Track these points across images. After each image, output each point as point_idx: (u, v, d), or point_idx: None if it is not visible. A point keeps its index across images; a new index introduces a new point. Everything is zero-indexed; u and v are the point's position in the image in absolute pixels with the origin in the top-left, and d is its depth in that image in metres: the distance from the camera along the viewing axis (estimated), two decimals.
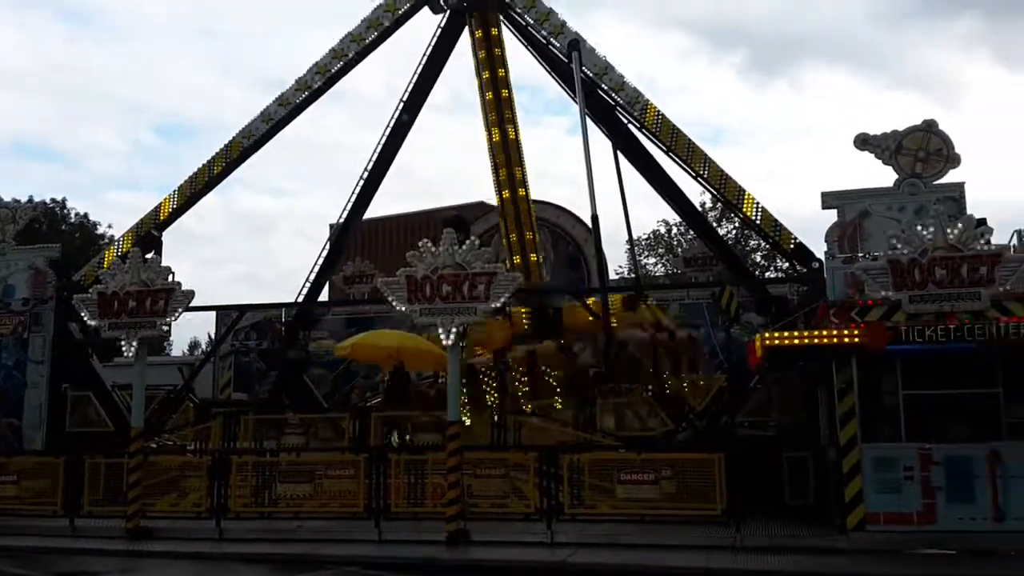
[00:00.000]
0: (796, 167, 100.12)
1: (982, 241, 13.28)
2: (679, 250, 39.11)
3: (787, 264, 22.73)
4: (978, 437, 13.16)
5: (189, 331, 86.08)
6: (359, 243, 38.94)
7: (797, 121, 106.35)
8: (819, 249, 16.90)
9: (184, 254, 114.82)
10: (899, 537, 13.01)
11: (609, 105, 20.75)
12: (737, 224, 41.20)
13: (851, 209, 15.59)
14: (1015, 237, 15.68)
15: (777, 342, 13.82)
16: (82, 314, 16.93)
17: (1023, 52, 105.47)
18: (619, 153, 20.92)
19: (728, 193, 19.49)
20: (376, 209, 26.49)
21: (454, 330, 14.78)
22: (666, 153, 19.97)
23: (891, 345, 13.14)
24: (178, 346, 56.11)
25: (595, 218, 20.95)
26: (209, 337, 45.90)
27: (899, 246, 13.52)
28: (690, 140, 19.70)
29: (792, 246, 18.87)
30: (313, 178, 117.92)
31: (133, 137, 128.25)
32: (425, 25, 22.74)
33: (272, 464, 16.46)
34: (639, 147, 20.64)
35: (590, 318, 21.54)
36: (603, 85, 20.60)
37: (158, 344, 27.42)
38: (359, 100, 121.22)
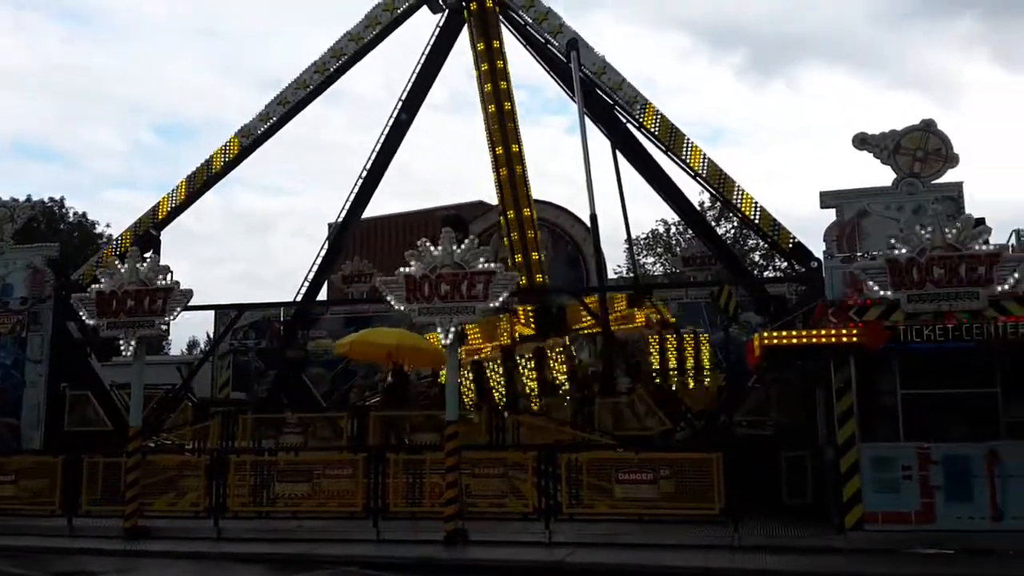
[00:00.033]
0: (795, 167, 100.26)
1: (980, 241, 13.29)
2: (678, 249, 39.15)
3: (786, 263, 22.75)
4: (976, 436, 13.17)
5: (187, 330, 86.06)
6: (358, 242, 38.98)
7: (796, 121, 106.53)
8: (818, 248, 16.95)
9: (183, 253, 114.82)
10: (897, 536, 13.01)
11: (608, 104, 20.75)
12: (736, 223, 41.17)
13: (850, 208, 15.60)
14: (1013, 237, 15.70)
15: (775, 341, 13.82)
16: (80, 313, 16.92)
17: (1022, 52, 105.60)
18: (618, 152, 20.95)
19: (727, 192, 19.49)
20: (375, 208, 26.53)
21: (453, 329, 14.78)
22: (665, 152, 19.98)
23: (889, 344, 13.15)
24: (176, 345, 56.14)
25: (594, 217, 20.95)
26: (208, 336, 45.96)
27: (897, 245, 13.52)
28: (689, 139, 19.71)
29: (790, 245, 18.88)
30: (312, 177, 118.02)
31: (132, 137, 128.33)
32: (424, 24, 22.77)
33: (270, 463, 16.45)
34: (638, 146, 20.64)
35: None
36: (602, 84, 20.60)
37: (156, 343, 27.47)
38: (358, 99, 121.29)
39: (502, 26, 22.44)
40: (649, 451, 15.23)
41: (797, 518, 14.63)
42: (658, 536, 13.71)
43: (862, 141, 15.69)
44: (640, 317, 22.14)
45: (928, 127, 15.54)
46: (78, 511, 16.38)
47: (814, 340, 13.58)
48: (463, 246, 14.91)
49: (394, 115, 22.65)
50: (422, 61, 22.62)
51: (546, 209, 30.61)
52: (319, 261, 23.11)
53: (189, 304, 16.53)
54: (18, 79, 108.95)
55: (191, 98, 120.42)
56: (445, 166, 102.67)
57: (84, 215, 48.53)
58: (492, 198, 26.14)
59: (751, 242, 42.67)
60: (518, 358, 21.80)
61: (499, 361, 22.08)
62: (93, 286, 16.93)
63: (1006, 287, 13.12)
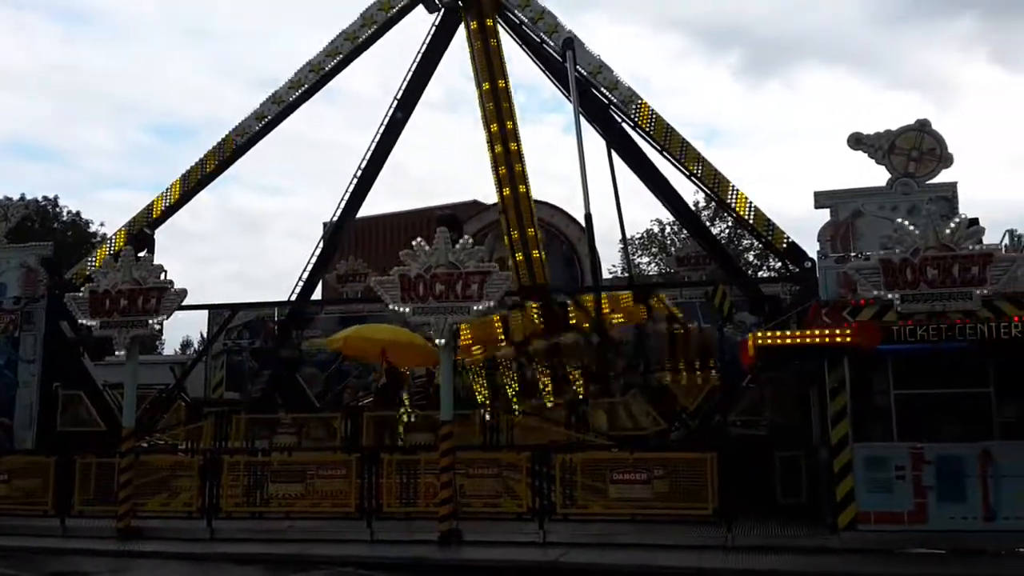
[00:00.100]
0: (790, 167, 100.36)
1: (974, 241, 13.31)
2: (672, 249, 39.27)
3: (780, 263, 22.74)
4: (969, 437, 13.19)
5: (181, 330, 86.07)
6: (352, 241, 38.84)
7: (792, 122, 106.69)
8: (812, 248, 16.96)
9: (177, 252, 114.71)
10: (890, 536, 13.04)
11: (603, 104, 20.73)
12: (730, 223, 41.22)
13: (844, 209, 15.60)
14: (1007, 237, 15.74)
15: (770, 341, 13.84)
16: (74, 313, 16.87)
17: (1020, 53, 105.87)
18: (613, 152, 20.92)
19: (721, 192, 19.48)
20: (370, 207, 26.46)
21: (447, 329, 14.77)
22: (660, 152, 19.96)
23: (883, 345, 13.17)
24: (170, 345, 56.17)
25: (589, 217, 20.94)
26: (201, 336, 45.76)
27: (891, 246, 13.54)
28: (684, 139, 19.70)
29: (785, 245, 18.88)
30: (307, 176, 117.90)
31: (126, 136, 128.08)
32: (419, 23, 22.72)
33: (264, 464, 16.42)
34: (633, 146, 20.62)
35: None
36: (597, 84, 20.57)
37: (150, 343, 27.37)
38: (353, 98, 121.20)
39: (498, 25, 22.42)
40: (643, 451, 15.23)
41: (791, 518, 14.65)
42: (652, 536, 13.72)
43: (857, 141, 15.70)
44: (642, 312, 22.16)
45: (923, 127, 15.55)
46: (71, 511, 16.34)
47: (808, 340, 13.60)
48: (458, 246, 14.90)
49: (389, 114, 22.61)
50: (418, 60, 22.58)
51: (541, 209, 30.51)
52: (314, 260, 23.06)
53: (183, 304, 16.48)
54: (13, 78, 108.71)
55: (186, 98, 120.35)
56: (440, 165, 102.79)
57: (78, 214, 48.42)
58: (487, 198, 26.16)
59: (745, 242, 42.70)
60: (531, 352, 21.77)
61: (511, 358, 22.06)
62: (86, 285, 16.89)
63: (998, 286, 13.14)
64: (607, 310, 21.94)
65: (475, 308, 14.78)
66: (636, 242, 46.58)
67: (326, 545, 14.46)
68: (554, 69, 21.42)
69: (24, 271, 20.61)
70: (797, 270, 18.70)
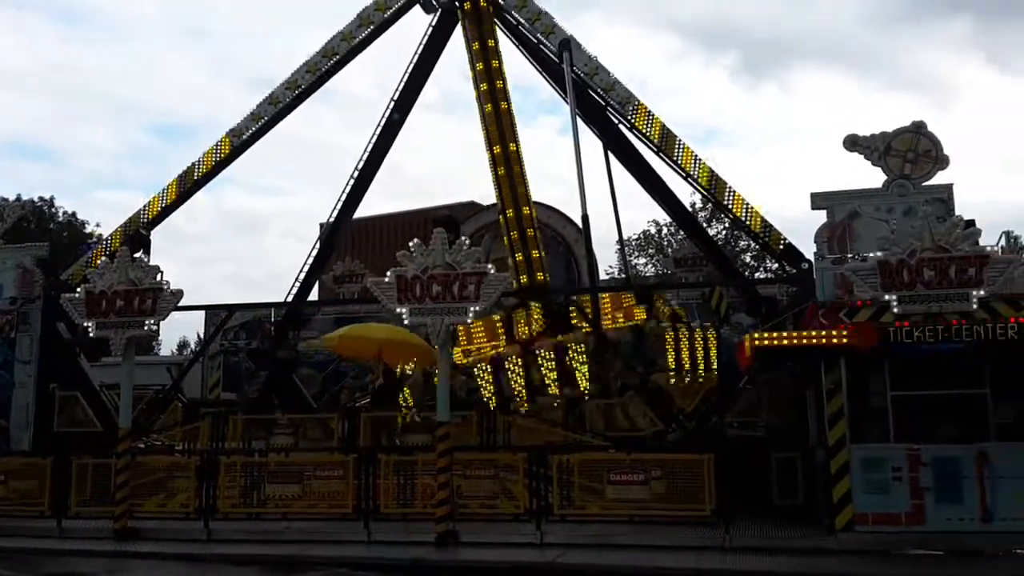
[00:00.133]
0: (787, 169, 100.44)
1: (970, 242, 13.33)
2: (669, 250, 39.26)
3: (777, 265, 22.75)
4: (966, 438, 13.22)
5: (178, 331, 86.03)
6: (349, 242, 38.85)
7: (789, 123, 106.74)
8: (808, 250, 16.96)
9: (173, 253, 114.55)
10: (887, 538, 13.05)
11: (600, 105, 20.75)
12: (727, 225, 41.27)
13: (840, 210, 15.60)
14: (1003, 238, 15.77)
15: (766, 343, 13.83)
16: (70, 314, 16.84)
17: (1015, 54, 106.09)
18: (610, 153, 20.93)
19: (718, 194, 19.50)
20: (366, 208, 26.54)
21: (444, 330, 14.75)
22: (656, 154, 19.97)
23: (880, 346, 13.18)
24: (167, 346, 56.01)
25: (585, 218, 20.97)
26: (198, 337, 45.80)
27: (888, 247, 13.56)
28: (681, 141, 19.72)
29: (782, 247, 18.90)
30: (303, 177, 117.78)
31: (123, 137, 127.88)
32: (416, 24, 22.74)
33: (261, 465, 16.41)
34: (630, 148, 20.63)
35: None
36: (594, 85, 20.59)
37: (146, 344, 27.29)
38: (350, 99, 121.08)
39: (496, 26, 22.41)
40: (641, 452, 15.24)
41: (788, 519, 14.66)
42: (649, 537, 13.73)
43: (853, 143, 15.71)
44: (641, 314, 22.19)
45: (918, 129, 15.57)
46: (67, 512, 16.35)
47: (805, 341, 13.60)
48: (455, 247, 14.90)
49: (386, 115, 22.62)
50: (414, 61, 22.60)
51: (538, 210, 30.46)
52: (310, 261, 23.06)
53: (179, 304, 16.47)
54: (12, 78, 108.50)
55: (183, 98, 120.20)
56: (437, 166, 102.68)
57: (74, 215, 48.33)
58: (484, 198, 26.14)
59: (742, 243, 42.74)
60: (537, 353, 21.79)
61: (517, 356, 22.07)
62: (83, 286, 16.86)
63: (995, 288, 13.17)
64: (609, 310, 22.01)
65: (472, 309, 14.78)
66: (633, 243, 46.60)
67: (323, 546, 14.45)
68: (551, 70, 21.44)
69: (20, 272, 20.56)
70: (794, 271, 18.71)
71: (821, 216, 15.73)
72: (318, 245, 23.50)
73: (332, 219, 23.08)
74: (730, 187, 19.34)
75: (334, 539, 14.73)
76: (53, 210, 47.09)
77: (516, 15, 21.59)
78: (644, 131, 19.93)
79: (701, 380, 21.50)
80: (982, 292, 13.09)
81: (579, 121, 20.90)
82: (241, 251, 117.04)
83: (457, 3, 22.26)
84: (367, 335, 20.02)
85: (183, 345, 58.48)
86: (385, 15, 22.17)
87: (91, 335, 16.84)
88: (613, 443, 16.98)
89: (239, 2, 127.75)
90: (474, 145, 23.26)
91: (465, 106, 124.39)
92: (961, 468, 13.11)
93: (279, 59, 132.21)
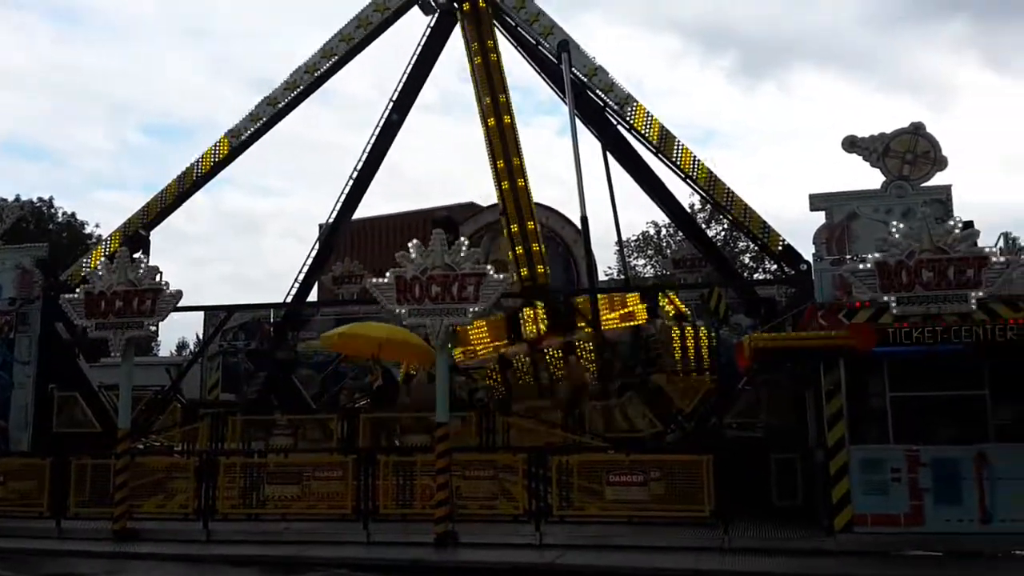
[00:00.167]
0: (786, 169, 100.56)
1: (968, 243, 13.34)
2: (668, 251, 39.21)
3: (775, 266, 22.77)
4: (965, 439, 13.23)
5: (177, 331, 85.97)
6: (348, 243, 38.89)
7: (787, 124, 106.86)
8: (807, 251, 16.95)
9: (172, 254, 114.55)
10: (886, 539, 13.07)
11: (599, 106, 20.75)
12: (726, 226, 41.28)
13: (839, 211, 15.62)
14: (1001, 240, 15.77)
15: (765, 344, 13.85)
16: (69, 314, 16.83)
17: (1014, 55, 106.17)
18: (608, 154, 20.94)
19: (717, 195, 19.51)
20: (365, 209, 26.52)
21: (444, 331, 14.75)
22: (655, 155, 19.98)
23: (878, 347, 13.19)
24: (166, 346, 56.02)
25: (584, 219, 20.97)
26: (197, 337, 45.72)
27: (887, 248, 13.57)
28: (679, 142, 19.73)
29: (780, 248, 18.92)
30: (302, 178, 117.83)
31: (122, 137, 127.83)
32: (415, 24, 22.76)
33: (260, 465, 16.40)
34: (628, 148, 20.65)
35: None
36: (592, 86, 20.60)
37: (145, 344, 27.27)
38: (349, 100, 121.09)
39: (495, 28, 22.42)
40: (640, 453, 15.24)
41: (787, 520, 14.67)
42: (648, 538, 13.74)
43: (851, 144, 15.72)
44: (642, 313, 22.21)
45: (917, 130, 15.58)
46: (66, 513, 16.34)
47: (804, 342, 13.63)
48: (454, 247, 14.90)
49: (385, 116, 22.63)
50: (413, 62, 22.61)
51: (537, 210, 30.57)
52: (309, 262, 23.06)
53: (178, 305, 16.47)
54: (11, 78, 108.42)
55: (182, 98, 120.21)
56: (436, 167, 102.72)
57: (73, 215, 48.37)
58: (483, 199, 26.12)
59: (741, 244, 42.76)
60: (546, 350, 21.79)
61: (524, 355, 22.06)
62: (82, 287, 16.85)
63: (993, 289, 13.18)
64: (617, 311, 22.05)
65: (471, 310, 14.78)
66: (632, 244, 46.61)
67: (322, 547, 14.45)
68: (549, 71, 21.44)
69: (19, 272, 20.54)
70: (793, 272, 18.72)
71: (820, 217, 15.74)
72: (317, 246, 23.50)
73: (331, 220, 23.08)
74: (729, 188, 19.36)
75: (333, 540, 14.72)
76: (52, 211, 47.13)
77: (515, 16, 21.59)
78: (643, 132, 19.94)
79: (704, 379, 21.52)
80: (981, 293, 13.11)
81: (578, 122, 20.90)
82: (240, 252, 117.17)
83: (456, 4, 22.27)
84: (366, 333, 20.02)
85: (182, 346, 58.51)
86: (384, 16, 22.17)
87: (90, 336, 16.84)
88: (612, 444, 16.98)
89: (238, 2, 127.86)
90: (473, 146, 23.36)
91: (463, 107, 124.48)
92: (960, 469, 13.13)
93: (278, 59, 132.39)
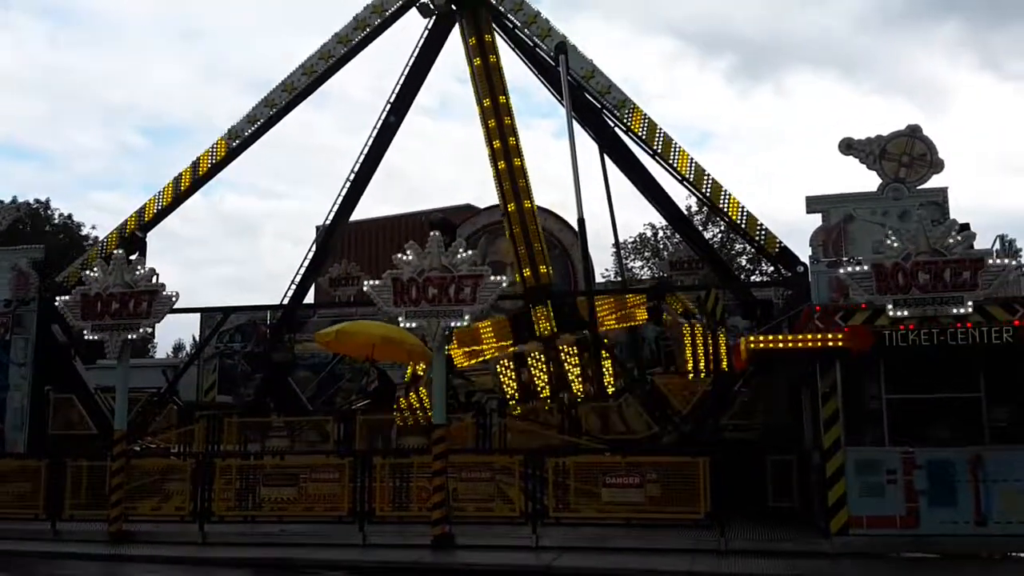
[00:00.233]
0: (782, 172, 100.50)
1: (965, 246, 13.37)
2: (665, 253, 39.22)
3: (772, 268, 22.80)
4: (960, 441, 13.25)
5: (173, 333, 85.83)
6: (345, 245, 38.81)
7: (783, 126, 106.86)
8: (804, 253, 17.00)
9: (169, 255, 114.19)
10: (882, 541, 13.08)
11: (596, 108, 20.77)
12: (723, 228, 41.27)
13: (836, 213, 15.66)
14: (997, 242, 15.78)
15: (762, 345, 13.88)
16: (65, 316, 16.81)
17: (1008, 57, 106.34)
18: (605, 156, 20.96)
19: (714, 197, 19.53)
20: (362, 211, 26.46)
21: (440, 333, 14.75)
22: (652, 156, 20.01)
23: (875, 349, 13.21)
24: (162, 348, 55.96)
25: (581, 221, 20.95)
26: (193, 339, 45.58)
27: (883, 251, 13.60)
28: (676, 144, 19.74)
29: (777, 250, 18.94)
30: (300, 179, 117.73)
31: (118, 138, 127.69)
32: (413, 26, 22.72)
33: (256, 467, 16.42)
34: (626, 150, 20.66)
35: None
36: (590, 88, 20.60)
37: (142, 346, 27.28)
38: (346, 102, 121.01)
39: (495, 32, 22.41)
40: (636, 455, 15.25)
41: (783, 522, 14.69)
42: (645, 540, 13.75)
43: (848, 146, 15.75)
44: (641, 314, 22.22)
45: (913, 133, 15.61)
46: (62, 515, 16.31)
47: (800, 344, 13.65)
48: (451, 249, 14.91)
49: (382, 118, 22.61)
50: (411, 64, 22.58)
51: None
52: (306, 264, 23.03)
53: (174, 307, 16.45)
54: (4, 79, 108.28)
55: (177, 100, 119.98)
56: (433, 169, 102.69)
57: (70, 217, 48.31)
58: (480, 201, 26.11)
59: (738, 246, 42.75)
60: (561, 347, 21.80)
61: (539, 353, 22.06)
62: (78, 288, 16.84)
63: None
64: (622, 310, 22.07)
65: (468, 312, 14.79)
66: (629, 246, 46.60)
67: (319, 549, 14.43)
68: (547, 73, 21.43)
69: (15, 274, 20.55)
70: (789, 274, 18.74)
71: (816, 219, 15.78)
72: (314, 248, 23.47)
73: (328, 222, 23.05)
74: (725, 190, 19.38)
75: (330, 542, 14.70)
76: (49, 212, 47.07)
77: (512, 18, 21.59)
78: (640, 134, 19.96)
79: (703, 380, 21.54)
80: (977, 296, 13.14)
81: (575, 124, 20.91)
82: (237, 254, 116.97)
83: (454, 6, 22.27)
84: (363, 331, 20.00)
85: (178, 348, 58.35)
86: (381, 18, 22.17)
87: (86, 337, 16.82)
88: (609, 446, 16.99)
89: (232, 4, 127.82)
90: (470, 148, 23.36)
91: (461, 109, 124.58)
92: (956, 471, 13.13)
93: (273, 62, 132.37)
